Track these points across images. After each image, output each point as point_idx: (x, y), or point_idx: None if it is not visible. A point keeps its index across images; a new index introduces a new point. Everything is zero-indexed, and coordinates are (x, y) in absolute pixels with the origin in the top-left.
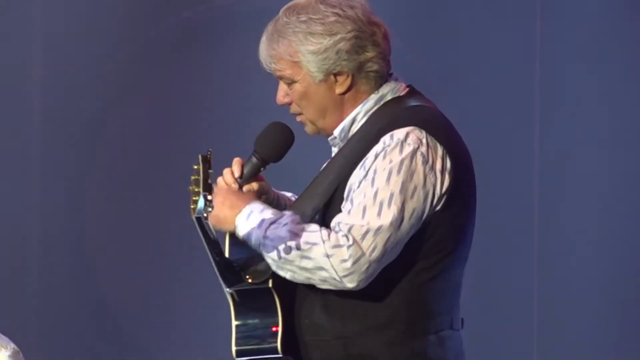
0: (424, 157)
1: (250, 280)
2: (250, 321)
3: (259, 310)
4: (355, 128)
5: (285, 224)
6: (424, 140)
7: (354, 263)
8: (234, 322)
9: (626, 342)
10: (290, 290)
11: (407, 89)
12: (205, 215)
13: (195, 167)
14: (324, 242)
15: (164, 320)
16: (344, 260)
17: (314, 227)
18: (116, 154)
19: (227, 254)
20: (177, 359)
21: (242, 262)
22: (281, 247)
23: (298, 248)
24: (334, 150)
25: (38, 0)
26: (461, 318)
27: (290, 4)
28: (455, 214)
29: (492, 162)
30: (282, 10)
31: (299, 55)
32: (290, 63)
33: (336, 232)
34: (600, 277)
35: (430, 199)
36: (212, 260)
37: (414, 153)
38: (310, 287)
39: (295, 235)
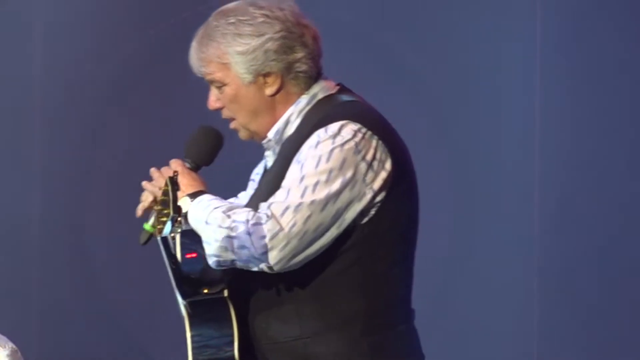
0: (357, 147)
1: (205, 291)
2: (205, 331)
3: (214, 320)
4: (291, 129)
5: (219, 208)
6: (359, 133)
7: (272, 238)
8: (189, 334)
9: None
10: (246, 298)
11: (338, 87)
12: (172, 235)
13: (163, 188)
14: (247, 220)
15: (164, 320)
16: (263, 237)
17: (243, 208)
18: (116, 154)
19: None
20: (177, 359)
21: (198, 274)
22: (218, 228)
23: (228, 227)
24: (267, 153)
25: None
26: (412, 309)
27: (220, 8)
28: (402, 202)
29: (493, 160)
30: (212, 15)
31: (227, 56)
32: (219, 65)
33: (257, 212)
34: (602, 275)
35: (361, 189)
36: (171, 274)
37: (346, 143)
38: (266, 293)
39: (228, 216)
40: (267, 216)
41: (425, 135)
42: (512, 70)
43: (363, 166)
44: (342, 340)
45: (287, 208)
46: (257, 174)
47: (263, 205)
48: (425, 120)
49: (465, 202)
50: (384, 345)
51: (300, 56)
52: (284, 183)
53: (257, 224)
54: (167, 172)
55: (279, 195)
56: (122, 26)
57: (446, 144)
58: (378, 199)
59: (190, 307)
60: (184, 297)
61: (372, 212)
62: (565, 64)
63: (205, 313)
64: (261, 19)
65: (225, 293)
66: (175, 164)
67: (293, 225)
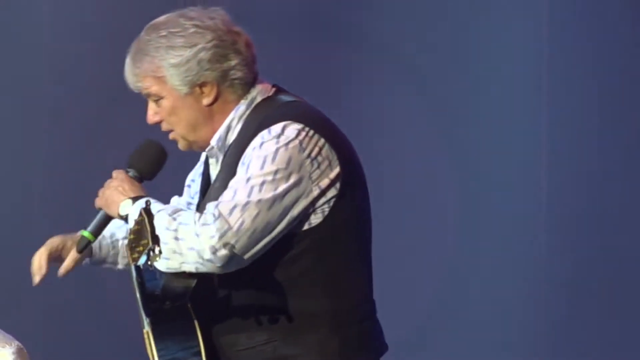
0: (301, 145)
1: (169, 305)
2: (171, 345)
3: (179, 333)
4: (233, 135)
5: (163, 210)
6: (302, 132)
7: (221, 237)
8: (155, 349)
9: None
10: (211, 308)
11: (274, 89)
12: (150, 264)
13: (138, 219)
14: (195, 222)
15: None
16: (212, 237)
17: (188, 211)
18: (117, 154)
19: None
20: None
21: (160, 289)
22: (165, 230)
23: (174, 230)
24: (211, 161)
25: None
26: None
27: (151, 22)
28: (353, 200)
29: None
30: (144, 29)
31: (162, 70)
32: (154, 79)
33: (204, 213)
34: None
35: (307, 186)
36: (138, 294)
37: (290, 142)
38: (230, 301)
39: (174, 219)
40: (214, 216)
41: (430, 135)
42: (519, 69)
43: (308, 164)
44: (311, 341)
45: (234, 207)
46: (192, 180)
47: (210, 206)
48: (430, 120)
49: (470, 201)
50: (352, 341)
51: (235, 63)
52: (231, 183)
53: (205, 224)
54: (110, 183)
55: (226, 195)
56: (122, 26)
57: (451, 144)
58: (327, 196)
59: (154, 322)
60: (147, 314)
61: (326, 210)
62: (572, 63)
63: (170, 327)
64: (192, 30)
65: (188, 304)
66: (117, 173)
67: (242, 224)
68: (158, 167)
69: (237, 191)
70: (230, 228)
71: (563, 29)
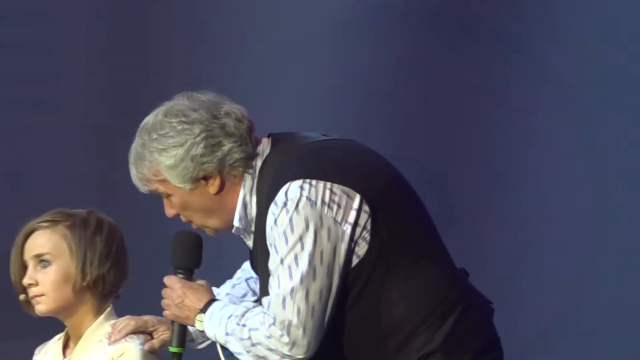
0: (308, 200)
1: None
2: None
3: None
4: (252, 209)
5: (232, 316)
6: (304, 185)
7: (288, 334)
8: None
9: None
10: None
11: (270, 143)
12: None
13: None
14: (261, 324)
15: None
16: (281, 336)
17: (254, 311)
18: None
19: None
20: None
21: None
22: (240, 340)
23: (248, 338)
24: (244, 236)
25: None
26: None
27: (142, 123)
28: (390, 207)
29: None
30: (137, 131)
31: (161, 173)
32: (158, 182)
33: (265, 313)
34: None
35: (337, 230)
36: None
37: (297, 204)
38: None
39: (243, 325)
40: (272, 317)
41: (569, 141)
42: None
43: (326, 211)
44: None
45: (284, 299)
46: None
47: (265, 303)
48: (569, 125)
49: (606, 207)
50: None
51: (229, 148)
52: (271, 268)
53: (271, 325)
54: (171, 295)
55: (273, 288)
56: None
57: (589, 150)
58: (361, 224)
59: None
60: None
61: (367, 237)
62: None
63: None
64: (179, 127)
65: None
66: (170, 281)
67: (299, 311)
68: (199, 254)
69: (279, 278)
70: (290, 323)
71: None
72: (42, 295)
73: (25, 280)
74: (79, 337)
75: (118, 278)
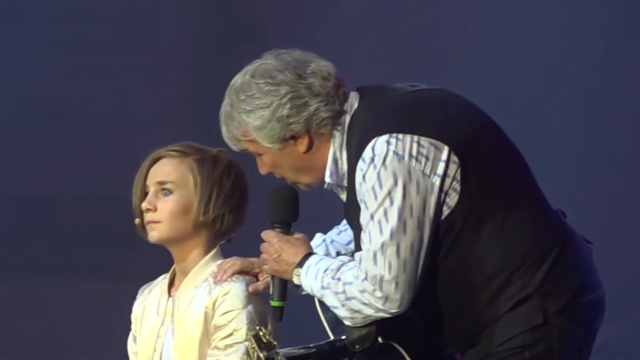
0: (395, 154)
1: (358, 348)
2: None
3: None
4: (343, 164)
5: (328, 270)
6: (391, 140)
7: (381, 288)
8: None
9: None
10: (404, 336)
11: (357, 98)
12: None
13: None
14: (355, 278)
15: None
16: (374, 290)
17: (349, 265)
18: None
19: (320, 312)
20: None
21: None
22: (335, 294)
23: (343, 292)
24: (337, 190)
25: None
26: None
27: (231, 83)
28: (480, 154)
29: None
30: (226, 91)
31: (250, 133)
32: (248, 142)
33: (357, 267)
34: None
35: (426, 182)
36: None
37: (384, 159)
38: (424, 319)
39: (338, 279)
40: (364, 272)
41: None
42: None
43: (414, 164)
44: (517, 306)
45: (375, 254)
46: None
47: (357, 258)
48: None
49: None
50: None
51: (315, 107)
52: (362, 224)
53: (363, 280)
54: (269, 250)
55: (364, 243)
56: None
57: None
58: (451, 175)
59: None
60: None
61: (457, 187)
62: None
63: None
64: (265, 88)
65: (383, 340)
66: (268, 236)
67: (390, 266)
68: (296, 207)
69: (370, 233)
70: (382, 278)
71: None
72: (159, 222)
73: (144, 205)
74: (185, 273)
75: (235, 221)
